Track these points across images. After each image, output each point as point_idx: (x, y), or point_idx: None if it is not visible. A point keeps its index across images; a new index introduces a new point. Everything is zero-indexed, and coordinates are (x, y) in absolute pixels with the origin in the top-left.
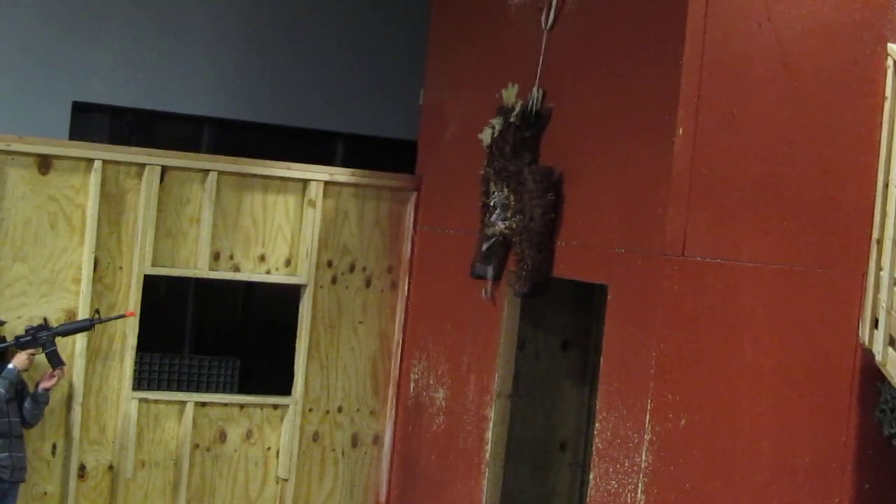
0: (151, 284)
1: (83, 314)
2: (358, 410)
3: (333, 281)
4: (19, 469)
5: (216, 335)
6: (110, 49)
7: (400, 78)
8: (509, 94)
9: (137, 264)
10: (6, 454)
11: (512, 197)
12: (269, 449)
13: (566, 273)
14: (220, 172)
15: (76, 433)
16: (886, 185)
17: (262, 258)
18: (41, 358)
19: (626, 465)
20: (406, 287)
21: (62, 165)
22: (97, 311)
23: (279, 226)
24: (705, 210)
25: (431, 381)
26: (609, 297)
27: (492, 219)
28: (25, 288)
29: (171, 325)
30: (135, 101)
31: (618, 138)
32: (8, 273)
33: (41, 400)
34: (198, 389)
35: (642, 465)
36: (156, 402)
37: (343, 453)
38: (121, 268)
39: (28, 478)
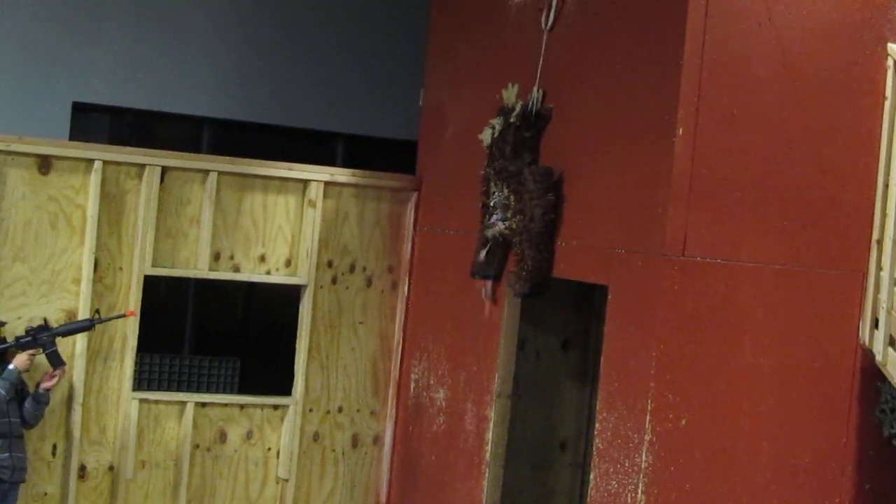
0: (151, 285)
1: (83, 315)
2: (358, 411)
3: (334, 281)
4: (19, 469)
5: (216, 335)
6: (110, 49)
7: (400, 78)
8: (509, 95)
9: (138, 265)
10: (6, 454)
11: (512, 197)
12: (269, 449)
13: (566, 273)
14: (221, 173)
15: (76, 433)
16: (886, 186)
17: (263, 258)
18: (41, 358)
19: (627, 465)
20: (406, 287)
21: (62, 166)
22: (97, 311)
23: (279, 226)
24: (705, 210)
25: (432, 382)
26: (609, 297)
27: (492, 219)
28: (25, 288)
29: (171, 325)
30: (135, 102)
31: (618, 138)
32: (8, 273)
33: (42, 400)
34: (198, 390)
35: (642, 466)
36: (156, 402)
37: (343, 453)
38: (121, 268)
39: (28, 478)
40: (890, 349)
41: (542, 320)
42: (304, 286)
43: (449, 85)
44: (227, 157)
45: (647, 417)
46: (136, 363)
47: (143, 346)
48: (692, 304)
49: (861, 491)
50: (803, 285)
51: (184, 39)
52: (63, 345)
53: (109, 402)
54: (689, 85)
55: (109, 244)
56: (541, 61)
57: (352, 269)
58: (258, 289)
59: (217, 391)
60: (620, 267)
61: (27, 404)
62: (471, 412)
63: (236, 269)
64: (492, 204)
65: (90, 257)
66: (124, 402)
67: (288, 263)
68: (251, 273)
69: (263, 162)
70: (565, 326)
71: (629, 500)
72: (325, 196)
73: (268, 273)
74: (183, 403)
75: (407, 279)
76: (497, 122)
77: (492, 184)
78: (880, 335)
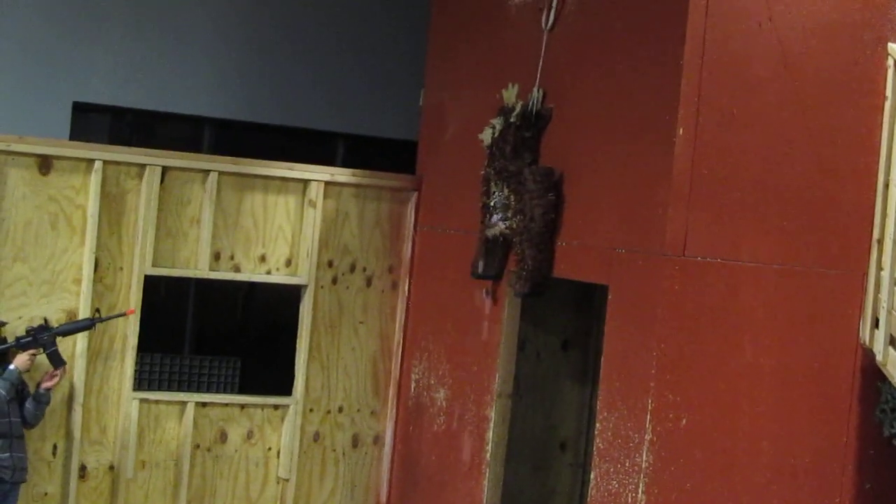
0: (152, 285)
1: (84, 315)
2: (358, 411)
3: (334, 281)
4: (20, 469)
5: (217, 335)
6: (111, 49)
7: (400, 78)
8: (509, 95)
9: (138, 265)
10: (7, 454)
11: (512, 197)
12: (269, 449)
13: (566, 273)
14: (221, 173)
15: (77, 433)
16: (887, 185)
17: (263, 258)
18: (42, 358)
19: (627, 465)
20: (406, 287)
21: (62, 166)
22: (97, 311)
23: (280, 226)
24: (706, 210)
25: (432, 382)
26: (609, 297)
27: (492, 219)
28: (26, 288)
29: (171, 325)
30: (135, 102)
31: (618, 138)
32: (8, 273)
33: (42, 400)
34: (198, 390)
35: (643, 465)
36: (156, 402)
37: (344, 453)
38: (121, 268)
39: (29, 478)
40: (890, 349)
41: (543, 320)
42: (305, 286)
43: (449, 85)
44: (228, 157)
45: (648, 417)
46: (136, 363)
47: (144, 346)
48: (692, 304)
49: (861, 491)
50: (803, 285)
51: (184, 39)
52: (63, 345)
53: (110, 402)
54: (689, 85)
55: (110, 244)
56: (541, 61)
57: (352, 269)
58: (258, 289)
59: (217, 391)
60: (621, 267)
61: (28, 404)
62: (471, 412)
63: (237, 269)
64: (492, 204)
65: (90, 257)
66: (125, 402)
67: (288, 263)
68: (251, 273)
69: (264, 162)
70: (565, 326)
71: (629, 500)
72: (326, 196)
73: (268, 273)
74: (183, 403)
75: (407, 279)
76: (497, 122)
77: (492, 184)
78: (881, 335)
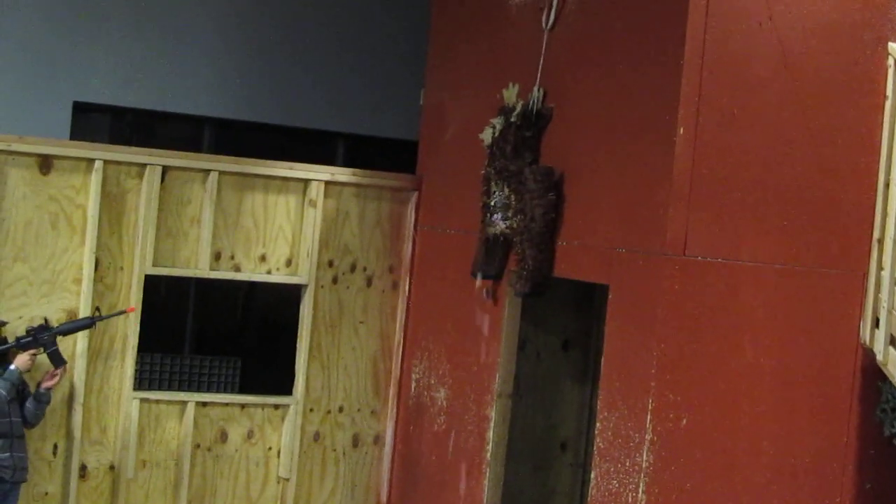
0: (152, 284)
1: (84, 315)
2: (359, 410)
3: (334, 281)
4: (21, 469)
5: (217, 335)
6: (111, 49)
7: (400, 78)
8: (510, 94)
9: (138, 264)
10: (7, 454)
11: (513, 197)
12: (270, 449)
13: (567, 273)
14: (221, 172)
15: (77, 433)
16: (887, 185)
17: (263, 258)
18: (42, 357)
19: (628, 464)
20: (407, 287)
21: (63, 165)
22: (97, 309)
23: (280, 226)
24: (706, 210)
25: (432, 381)
26: (610, 296)
27: (493, 219)
28: (26, 288)
29: (171, 325)
30: (135, 102)
31: (619, 138)
32: (9, 273)
33: (43, 399)
34: (199, 389)
35: (643, 465)
36: (157, 402)
37: (344, 453)
38: (122, 268)
39: (29, 478)
40: (891, 348)
41: (543, 320)
42: (305, 286)
43: (449, 84)
44: (228, 157)
45: (648, 417)
46: (136, 363)
47: (144, 346)
48: (693, 304)
49: (862, 490)
50: (804, 285)
51: (184, 39)
52: (64, 344)
53: (110, 402)
54: (689, 85)
55: (110, 244)
56: (541, 61)
57: (352, 268)
58: (259, 288)
59: (218, 391)
60: (621, 266)
61: (28, 404)
62: (472, 412)
63: (237, 269)
64: (492, 203)
65: (91, 257)
66: (125, 402)
67: (288, 263)
68: (252, 273)
69: (264, 161)
70: (566, 326)
71: (630, 500)
72: (326, 196)
73: (268, 273)
74: (184, 403)
75: (407, 279)
76: (498, 122)
77: (492, 183)
78: (881, 335)
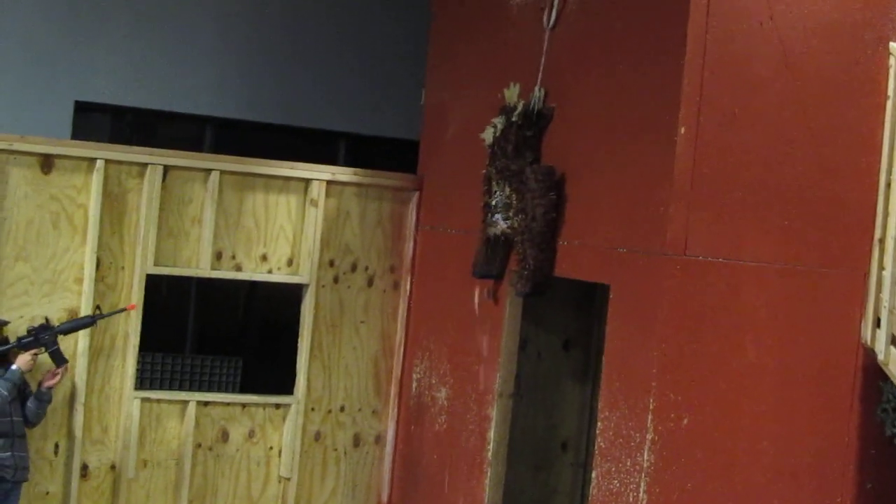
0: (153, 284)
1: (85, 314)
2: (360, 410)
3: (335, 280)
4: (22, 469)
5: (218, 335)
6: (112, 49)
7: (401, 78)
8: (511, 94)
9: (139, 264)
10: (8, 454)
11: (514, 196)
12: (271, 448)
13: (568, 273)
14: (222, 172)
15: (78, 433)
16: (888, 185)
17: (264, 258)
18: (43, 356)
19: (628, 464)
20: (408, 287)
21: (64, 165)
22: (98, 307)
23: (281, 225)
24: (707, 209)
25: (433, 381)
26: (611, 296)
27: (493, 218)
28: (27, 287)
29: (173, 324)
30: (137, 101)
31: (620, 138)
32: (10, 273)
33: (44, 399)
34: (200, 389)
35: (644, 465)
36: (158, 401)
37: (345, 453)
38: (123, 267)
39: (31, 477)
40: (892, 348)
41: (544, 320)
42: (306, 285)
43: (450, 84)
44: (229, 157)
45: (649, 417)
46: (138, 362)
47: (145, 346)
48: (694, 304)
49: (863, 490)
50: (805, 285)
51: (186, 39)
52: (65, 344)
53: (111, 402)
54: (690, 84)
55: (111, 243)
56: (542, 60)
57: (353, 268)
58: (260, 288)
59: (219, 390)
60: (622, 266)
61: (30, 403)
62: (473, 412)
63: (238, 269)
64: (493, 203)
65: (92, 257)
66: (126, 402)
67: (290, 263)
68: (253, 272)
69: (265, 161)
70: (567, 326)
71: (631, 500)
72: (327, 195)
73: (269, 272)
74: (185, 402)
75: (408, 278)
76: (499, 122)
77: (493, 183)
78: (882, 334)
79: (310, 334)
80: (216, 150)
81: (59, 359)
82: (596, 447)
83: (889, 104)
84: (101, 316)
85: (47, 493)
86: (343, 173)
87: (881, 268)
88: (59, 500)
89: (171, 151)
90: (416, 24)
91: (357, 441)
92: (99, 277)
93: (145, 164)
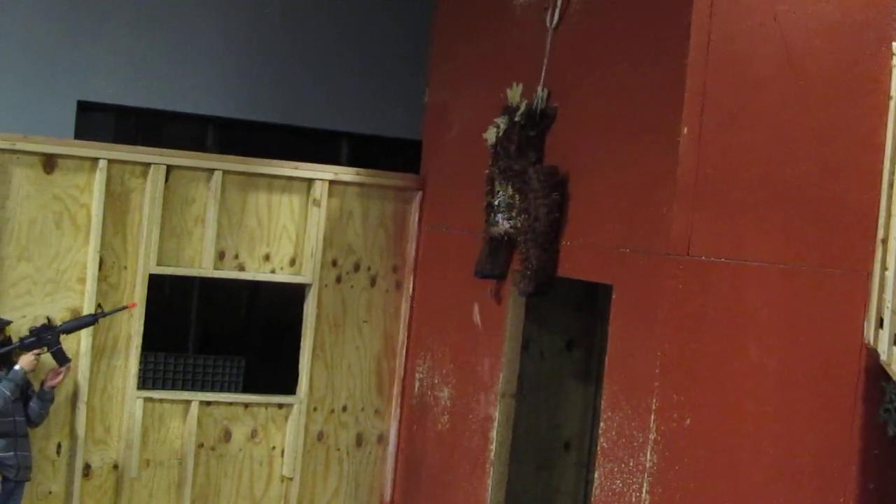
0: (156, 284)
1: (87, 313)
2: (362, 410)
3: (338, 280)
4: (24, 468)
5: (221, 334)
6: (115, 49)
7: (404, 77)
8: (514, 94)
9: (142, 263)
10: (11, 453)
11: (516, 196)
12: (273, 448)
13: (571, 273)
14: (225, 172)
15: (81, 432)
16: (891, 185)
17: (267, 257)
18: (46, 355)
19: (631, 464)
20: (411, 286)
21: (67, 165)
22: (99, 306)
23: (284, 225)
24: (710, 210)
25: (436, 381)
26: (614, 296)
27: (496, 218)
28: (30, 287)
29: (175, 324)
30: (139, 101)
31: (622, 138)
32: (13, 272)
33: (47, 398)
34: (202, 389)
35: (647, 465)
36: (161, 401)
37: (348, 452)
38: (126, 267)
39: (33, 477)
40: (895, 348)
41: (547, 320)
42: (309, 285)
43: (453, 84)
44: (232, 156)
45: (652, 417)
46: (140, 362)
47: (148, 345)
48: (696, 304)
49: (865, 491)
50: (808, 285)
51: (188, 38)
52: (68, 343)
53: (114, 401)
54: (693, 84)
55: (114, 243)
56: (545, 60)
57: (356, 268)
58: (263, 288)
59: (221, 390)
60: (625, 266)
61: (33, 403)
62: (475, 411)
63: (241, 268)
64: (496, 203)
65: (95, 256)
66: (129, 401)
67: (292, 262)
68: (256, 272)
69: (268, 161)
70: (569, 326)
71: (633, 500)
72: (330, 195)
73: (272, 272)
74: (187, 402)
75: (411, 278)
76: (501, 121)
77: (496, 183)
78: (885, 334)
79: (312, 334)
80: (219, 149)
81: (61, 358)
82: (598, 447)
83: (891, 104)
84: (103, 314)
85: (50, 492)
86: (346, 173)
87: (884, 268)
88: (62, 499)
89: (173, 151)
90: (419, 24)
91: (360, 441)
92: (102, 277)
93: (148, 164)
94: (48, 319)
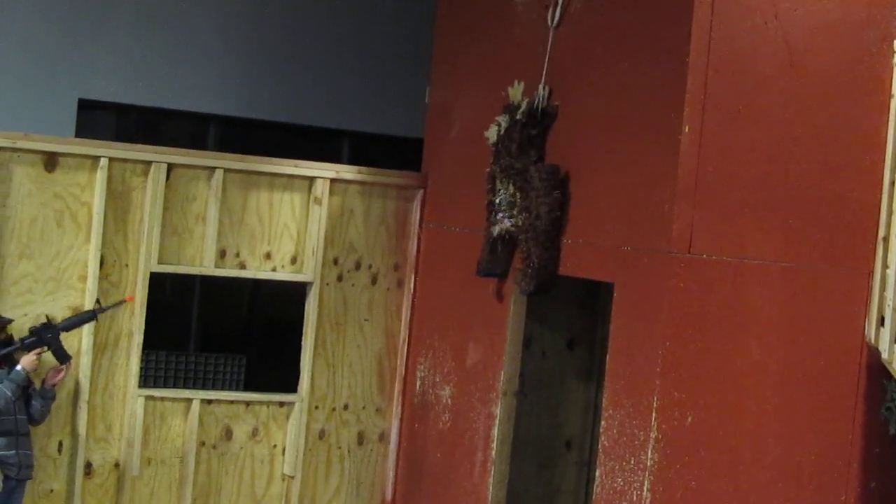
0: (157, 282)
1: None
2: (364, 408)
3: (339, 279)
4: (26, 467)
5: (222, 333)
6: (116, 47)
7: (406, 75)
8: (515, 92)
9: (143, 262)
10: (13, 452)
11: (518, 195)
12: (275, 446)
13: (572, 271)
14: (226, 170)
15: (82, 431)
16: (892, 183)
17: (268, 256)
18: (46, 354)
19: (632, 462)
20: (412, 285)
21: (68, 163)
22: (98, 301)
23: (285, 223)
24: (711, 208)
25: (437, 379)
26: (615, 295)
27: (498, 217)
28: (31, 286)
29: (177, 322)
30: (140, 99)
31: (624, 136)
32: (14, 271)
33: (48, 396)
34: (204, 387)
35: (648, 463)
36: (162, 399)
37: (349, 451)
38: (127, 265)
39: (34, 475)
40: None
41: (548, 318)
42: (310, 283)
43: (455, 82)
44: (233, 155)
45: (653, 415)
46: (141, 360)
47: (149, 344)
48: (698, 302)
49: (866, 489)
50: (809, 283)
51: (189, 37)
52: (69, 342)
53: (115, 400)
54: (695, 83)
55: (115, 241)
56: (547, 59)
57: (357, 266)
58: (264, 286)
59: (223, 388)
60: (626, 265)
61: (34, 401)
62: (477, 410)
63: (242, 267)
64: (497, 202)
65: (96, 254)
66: (130, 400)
67: (294, 261)
68: (257, 270)
69: (269, 159)
70: (571, 324)
71: (635, 498)
72: (331, 193)
73: (273, 270)
74: (189, 400)
75: (413, 276)
76: (503, 120)
77: (498, 181)
78: (886, 333)
79: (314, 332)
80: (220, 148)
81: (62, 356)
82: (600, 445)
83: (893, 102)
84: (102, 309)
85: (51, 490)
86: (347, 171)
87: (885, 266)
88: (63, 498)
89: (174, 149)
90: (421, 22)
91: (361, 439)
92: (103, 275)
93: (149, 163)
94: (47, 318)
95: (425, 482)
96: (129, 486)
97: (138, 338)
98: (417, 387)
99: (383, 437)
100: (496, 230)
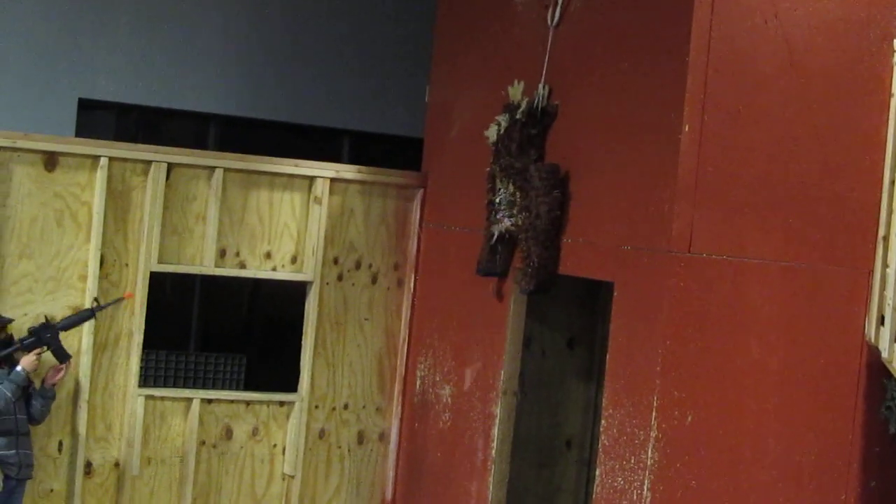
0: (157, 281)
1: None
2: (364, 407)
3: (339, 278)
4: (26, 466)
5: (222, 332)
6: (116, 46)
7: (406, 75)
8: (515, 91)
9: (144, 261)
10: (13, 451)
11: (518, 194)
12: (275, 446)
13: (572, 270)
14: (227, 169)
15: (82, 430)
16: (892, 182)
17: (269, 255)
18: (47, 354)
19: (633, 462)
20: (412, 284)
21: (68, 162)
22: (96, 300)
23: (285, 223)
24: (711, 207)
25: (437, 379)
26: (615, 294)
27: (498, 216)
28: (31, 285)
29: (177, 322)
30: (141, 98)
31: (624, 136)
32: (14, 270)
33: (48, 395)
34: (204, 386)
35: (648, 463)
36: (162, 399)
37: (349, 450)
38: (127, 265)
39: (35, 475)
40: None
41: (548, 317)
42: (310, 283)
43: (455, 82)
44: (233, 154)
45: (653, 414)
46: (142, 360)
47: (149, 343)
48: (698, 301)
49: (866, 488)
50: (809, 282)
51: (189, 36)
52: (68, 341)
53: (115, 399)
54: (694, 82)
55: (115, 241)
56: (547, 58)
57: (357, 265)
58: (264, 285)
59: (223, 388)
60: (626, 264)
61: (34, 401)
62: (477, 409)
63: (242, 266)
64: (497, 201)
65: (96, 254)
66: (130, 399)
67: (294, 260)
68: (257, 270)
69: (269, 158)
70: (571, 324)
71: (635, 497)
72: (331, 193)
73: (274, 270)
74: (189, 400)
75: (413, 276)
76: (503, 119)
77: (497, 181)
78: (886, 332)
79: (314, 332)
80: (220, 147)
81: (62, 355)
82: (600, 445)
83: (893, 102)
84: (100, 307)
85: (51, 490)
86: (347, 171)
87: (885, 265)
88: (63, 497)
89: (175, 149)
90: (421, 22)
91: (361, 438)
92: (103, 275)
93: (149, 162)
94: (46, 318)
95: (425, 482)
96: (129, 486)
97: (138, 337)
98: (417, 386)
99: (383, 437)
100: (496, 229)
